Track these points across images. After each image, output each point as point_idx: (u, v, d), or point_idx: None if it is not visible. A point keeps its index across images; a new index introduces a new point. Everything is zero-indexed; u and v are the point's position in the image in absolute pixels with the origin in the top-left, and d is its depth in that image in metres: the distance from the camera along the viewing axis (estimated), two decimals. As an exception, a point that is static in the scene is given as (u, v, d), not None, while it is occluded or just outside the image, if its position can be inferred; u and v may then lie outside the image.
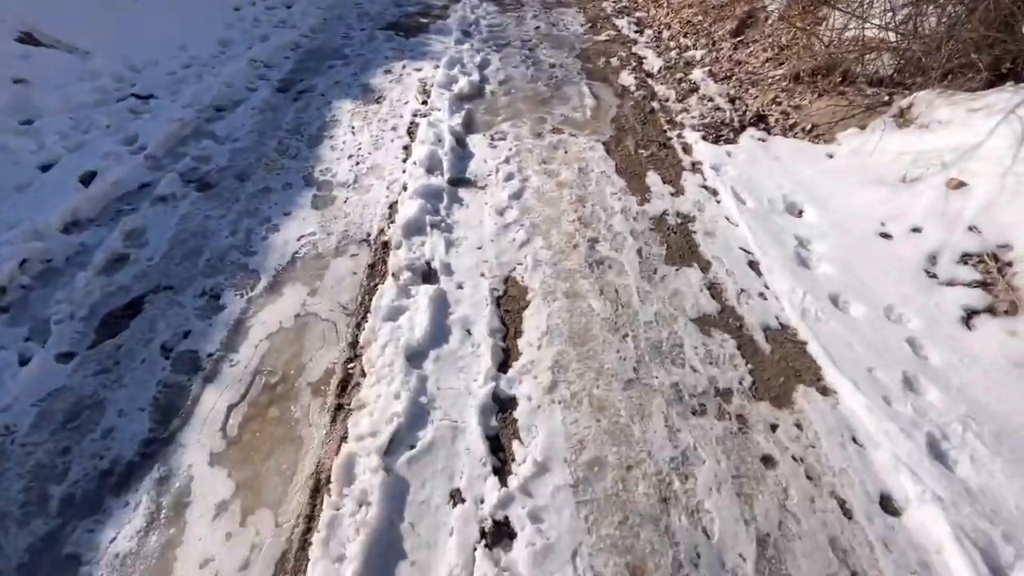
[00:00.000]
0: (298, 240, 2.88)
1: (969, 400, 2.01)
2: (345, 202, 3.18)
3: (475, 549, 1.60)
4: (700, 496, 1.77)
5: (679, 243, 2.88)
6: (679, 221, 3.03)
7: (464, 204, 3.14)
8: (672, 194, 3.25)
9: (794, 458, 1.89)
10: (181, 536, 1.69)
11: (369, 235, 2.93)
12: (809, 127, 3.65)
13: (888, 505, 1.76)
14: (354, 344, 2.27)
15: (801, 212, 3.06)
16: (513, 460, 1.87)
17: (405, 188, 3.18)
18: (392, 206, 3.11)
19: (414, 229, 2.88)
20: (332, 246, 2.86)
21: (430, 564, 1.60)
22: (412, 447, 1.88)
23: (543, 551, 1.60)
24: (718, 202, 3.17)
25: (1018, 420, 1.94)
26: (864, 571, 1.61)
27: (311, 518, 1.71)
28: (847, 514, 1.74)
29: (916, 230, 2.71)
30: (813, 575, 1.60)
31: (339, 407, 2.05)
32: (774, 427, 1.99)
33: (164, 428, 1.98)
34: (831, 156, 3.36)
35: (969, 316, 2.31)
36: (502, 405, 2.06)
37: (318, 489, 1.79)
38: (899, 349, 2.22)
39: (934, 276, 2.51)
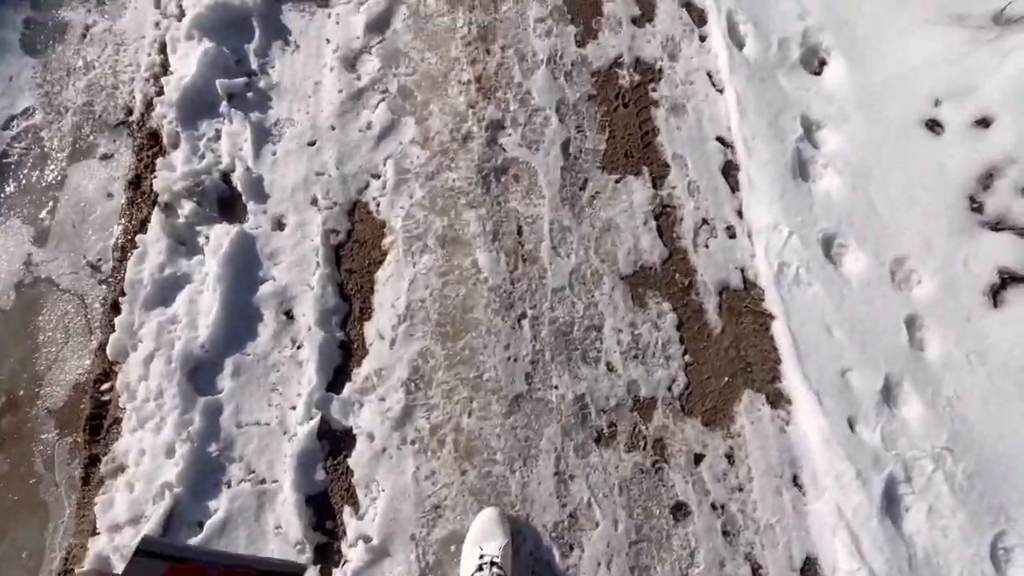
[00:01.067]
0: (7, 127, 1.74)
1: (956, 420, 1.53)
2: (84, 37, 1.87)
3: None
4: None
5: (629, 126, 1.88)
6: (636, 80, 1.94)
7: (290, 43, 1.89)
8: (635, 21, 2.03)
9: (714, 506, 1.47)
10: None
11: (130, 110, 1.79)
12: None
13: (810, 574, 1.43)
14: (105, 347, 1.50)
15: (823, 64, 1.98)
16: (344, 537, 1.39)
17: (181, 10, 1.85)
18: (165, 47, 1.85)
19: (199, 105, 1.74)
20: (67, 136, 1.75)
21: None
22: (199, 526, 1.35)
23: (372, 674, 1.26)
24: (702, 41, 2.01)
25: (1004, 449, 1.51)
26: (758, 654, 1.37)
27: (61, 643, 1.28)
28: (759, 583, 1.42)
29: (982, 122, 1.78)
30: (699, 661, 1.35)
31: (93, 459, 1.42)
32: (699, 458, 1.51)
33: None
34: (899, -51, 2.06)
35: (1003, 283, 1.65)
36: (334, 444, 1.47)
37: (69, 597, 1.31)
38: (892, 335, 1.61)
39: (978, 209, 1.73)
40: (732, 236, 1.77)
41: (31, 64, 1.81)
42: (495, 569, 1.23)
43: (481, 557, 1.26)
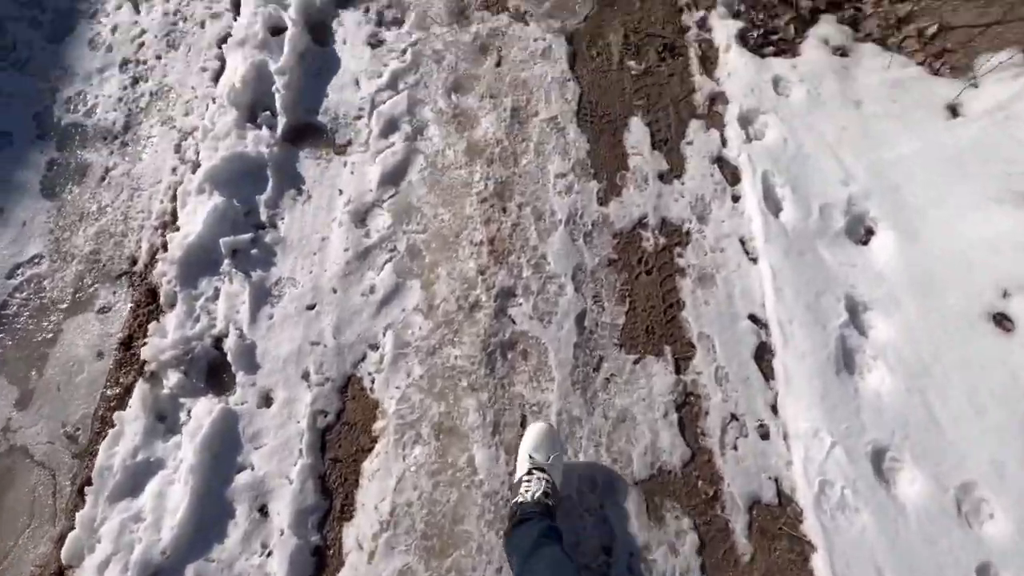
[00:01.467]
0: (11, 276, 1.72)
1: None
2: (103, 180, 1.87)
3: None
4: None
5: (651, 297, 1.73)
6: (661, 243, 1.81)
7: (303, 193, 1.85)
8: (662, 177, 1.92)
9: None
10: None
11: (135, 261, 1.75)
12: (930, 35, 2.05)
13: None
14: (64, 539, 1.38)
15: (870, 234, 1.81)
16: None
17: (197, 159, 1.84)
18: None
19: (202, 262, 1.69)
20: (68, 287, 1.71)
21: None
22: None
23: None
24: (735, 201, 1.88)
25: None
26: None
27: None
28: None
29: (1062, 325, 1.55)
30: None
31: None
32: None
33: None
34: (955, 112, 1.92)
35: (1098, 533, 1.38)
36: None
37: None
38: (960, 589, 1.35)
39: (1063, 431, 1.48)
40: (765, 437, 1.56)
41: (46, 208, 1.81)
42: (543, 474, 1.34)
43: (532, 460, 1.37)
